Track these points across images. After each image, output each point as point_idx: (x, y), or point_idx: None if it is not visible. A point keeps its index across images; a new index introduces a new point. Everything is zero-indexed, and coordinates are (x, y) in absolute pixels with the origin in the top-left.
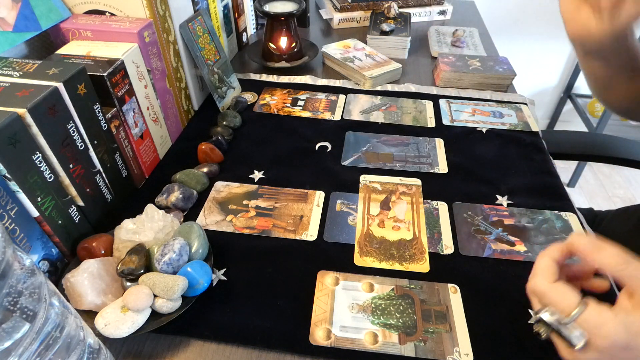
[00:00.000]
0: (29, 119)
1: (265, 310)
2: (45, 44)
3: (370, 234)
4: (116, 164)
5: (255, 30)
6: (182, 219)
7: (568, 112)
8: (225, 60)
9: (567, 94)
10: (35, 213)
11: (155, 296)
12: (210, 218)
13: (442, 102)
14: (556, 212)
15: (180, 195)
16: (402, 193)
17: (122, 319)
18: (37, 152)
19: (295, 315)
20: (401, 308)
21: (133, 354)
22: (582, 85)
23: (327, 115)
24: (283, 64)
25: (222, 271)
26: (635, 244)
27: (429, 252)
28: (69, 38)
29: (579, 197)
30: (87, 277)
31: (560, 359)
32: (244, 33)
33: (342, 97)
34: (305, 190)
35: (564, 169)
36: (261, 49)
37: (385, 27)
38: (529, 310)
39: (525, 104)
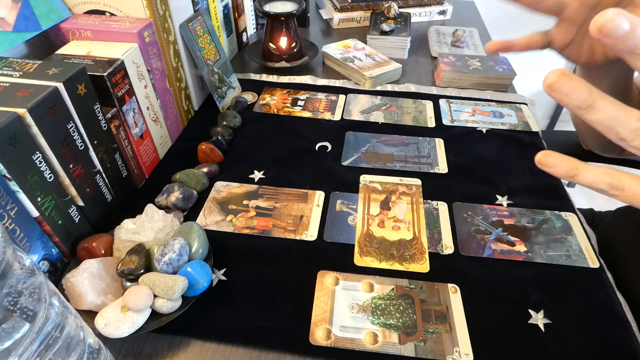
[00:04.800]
0: (29, 119)
1: (265, 310)
2: (45, 44)
3: (370, 234)
4: (116, 164)
5: (255, 30)
6: (182, 219)
7: (568, 112)
8: (225, 60)
9: None
10: (35, 213)
11: (155, 296)
12: (210, 218)
13: (442, 102)
14: (556, 212)
15: (180, 195)
16: (402, 193)
17: (122, 319)
18: (37, 152)
19: (295, 315)
20: (401, 308)
21: (133, 354)
22: None
23: (327, 115)
24: (283, 64)
25: (222, 271)
26: (636, 244)
27: (429, 252)
28: (69, 38)
29: (579, 197)
30: (87, 277)
31: None
32: (244, 33)
33: (342, 97)
34: (305, 190)
35: None
36: (261, 49)
37: (385, 27)
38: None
39: (525, 104)
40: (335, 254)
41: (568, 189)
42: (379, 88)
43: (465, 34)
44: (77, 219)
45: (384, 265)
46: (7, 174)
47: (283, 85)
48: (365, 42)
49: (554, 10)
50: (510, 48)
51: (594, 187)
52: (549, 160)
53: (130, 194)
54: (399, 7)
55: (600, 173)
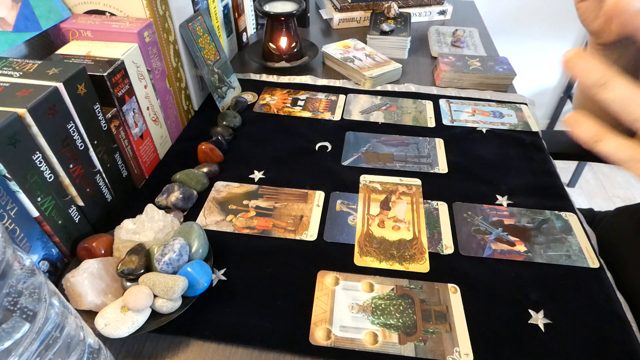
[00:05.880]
0: (29, 119)
1: (265, 310)
2: (45, 44)
3: (370, 234)
4: (116, 164)
5: (255, 30)
6: (182, 219)
7: (568, 112)
8: (225, 60)
9: (567, 94)
10: (35, 213)
11: (155, 296)
12: (210, 218)
13: (442, 102)
14: (556, 212)
15: (180, 195)
16: (402, 193)
17: (122, 319)
18: (37, 152)
19: (295, 315)
20: (401, 308)
21: (133, 354)
22: None
23: (327, 115)
24: (283, 64)
25: (222, 271)
26: (636, 244)
27: (429, 252)
28: (69, 38)
29: (579, 197)
30: (87, 277)
31: None
32: (244, 33)
33: (342, 97)
34: (305, 190)
35: (564, 169)
36: (261, 49)
37: (385, 27)
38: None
39: (525, 104)
40: (335, 254)
41: (568, 189)
42: (379, 88)
43: (465, 34)
44: (77, 219)
45: (384, 265)
46: (7, 174)
47: (283, 85)
48: (365, 42)
49: None
50: None
51: (614, 157)
52: (578, 122)
53: (130, 194)
54: (399, 7)
55: (623, 144)
